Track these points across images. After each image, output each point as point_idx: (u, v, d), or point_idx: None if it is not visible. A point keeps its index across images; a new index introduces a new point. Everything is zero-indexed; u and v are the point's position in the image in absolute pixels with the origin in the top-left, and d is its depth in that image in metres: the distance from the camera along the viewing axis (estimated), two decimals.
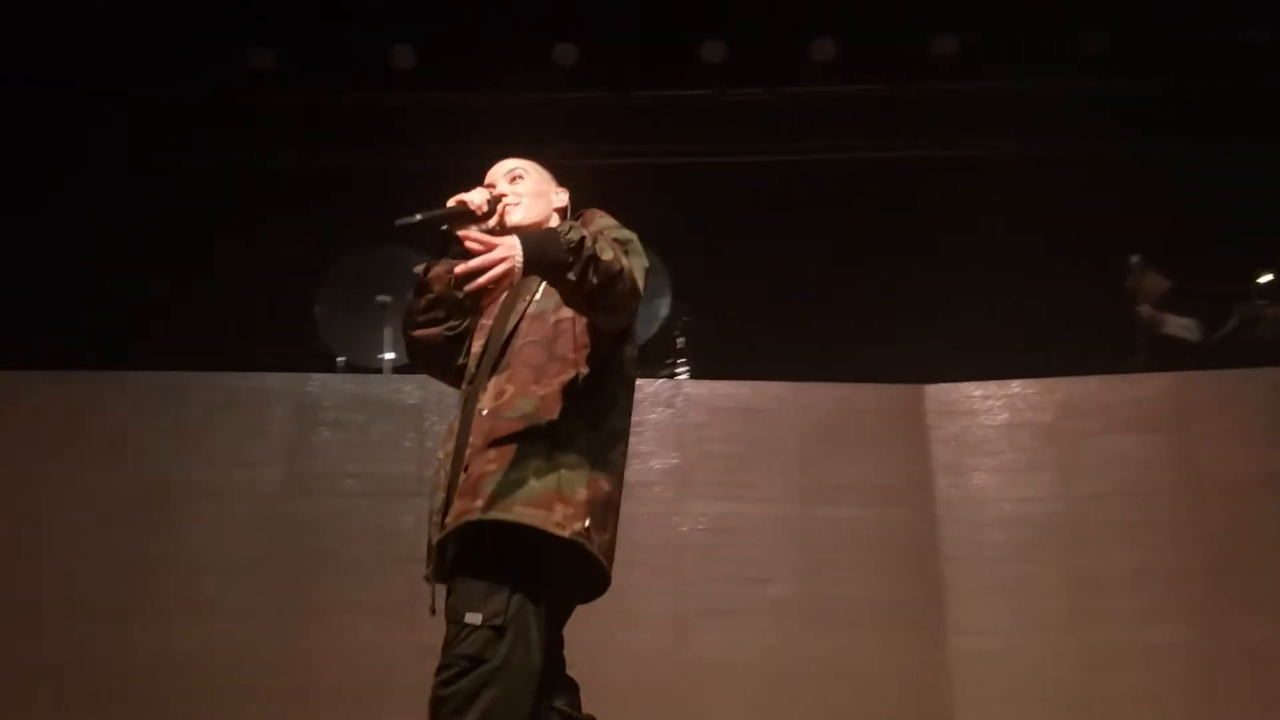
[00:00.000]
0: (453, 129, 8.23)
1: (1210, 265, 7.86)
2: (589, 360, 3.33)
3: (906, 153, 8.90)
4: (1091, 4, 8.43)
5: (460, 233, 3.21)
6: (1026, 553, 6.38)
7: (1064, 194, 8.25)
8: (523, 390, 3.27)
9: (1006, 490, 6.51)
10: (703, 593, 6.31)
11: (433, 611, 3.30)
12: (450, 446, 3.36)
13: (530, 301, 3.44)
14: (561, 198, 3.67)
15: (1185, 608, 6.26)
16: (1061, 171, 8.45)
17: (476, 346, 3.52)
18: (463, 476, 3.24)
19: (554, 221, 3.55)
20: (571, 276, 3.06)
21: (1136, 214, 8.07)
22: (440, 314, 3.59)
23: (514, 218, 3.50)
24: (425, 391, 6.23)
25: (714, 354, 7.74)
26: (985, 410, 6.64)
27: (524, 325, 3.40)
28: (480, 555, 3.16)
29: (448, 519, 3.23)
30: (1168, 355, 7.39)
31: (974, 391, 6.69)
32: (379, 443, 6.33)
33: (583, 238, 3.07)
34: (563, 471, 3.19)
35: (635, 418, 6.34)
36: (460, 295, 3.31)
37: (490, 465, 3.19)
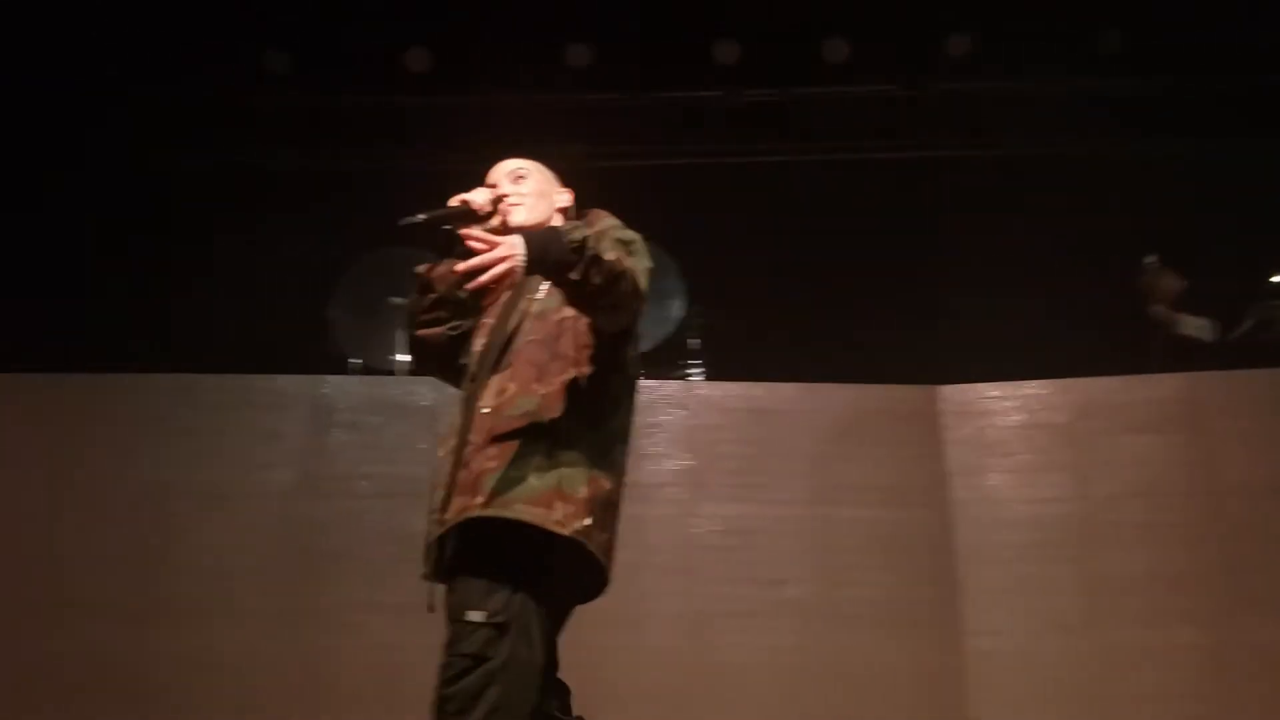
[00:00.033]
0: (466, 131, 8.24)
1: (1225, 265, 7.84)
2: (591, 359, 3.32)
3: (920, 153, 8.90)
4: (1104, 4, 8.42)
5: (462, 231, 3.21)
6: (1041, 553, 6.36)
7: (1078, 194, 8.24)
8: (525, 388, 3.26)
9: (1021, 491, 6.49)
10: (717, 594, 6.30)
11: (431, 609, 3.30)
12: (451, 444, 3.34)
13: (533, 300, 3.43)
14: (564, 198, 3.66)
15: (1200, 608, 6.24)
16: (1076, 172, 8.45)
17: (478, 345, 3.50)
18: (463, 473, 3.23)
19: (557, 222, 3.54)
20: (574, 276, 3.06)
21: (1152, 214, 8.05)
22: (443, 314, 3.58)
23: (517, 218, 3.48)
24: (439, 393, 6.21)
25: (727, 355, 7.73)
26: (1000, 411, 6.62)
27: (526, 324, 3.39)
28: (480, 553, 3.15)
29: (447, 515, 3.22)
30: (1183, 355, 7.36)
31: (989, 392, 6.67)
32: (393, 444, 6.33)
33: (585, 237, 3.07)
34: (564, 469, 3.18)
35: (648, 419, 6.45)
36: (462, 294, 3.32)
37: (491, 462, 3.18)
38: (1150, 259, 7.76)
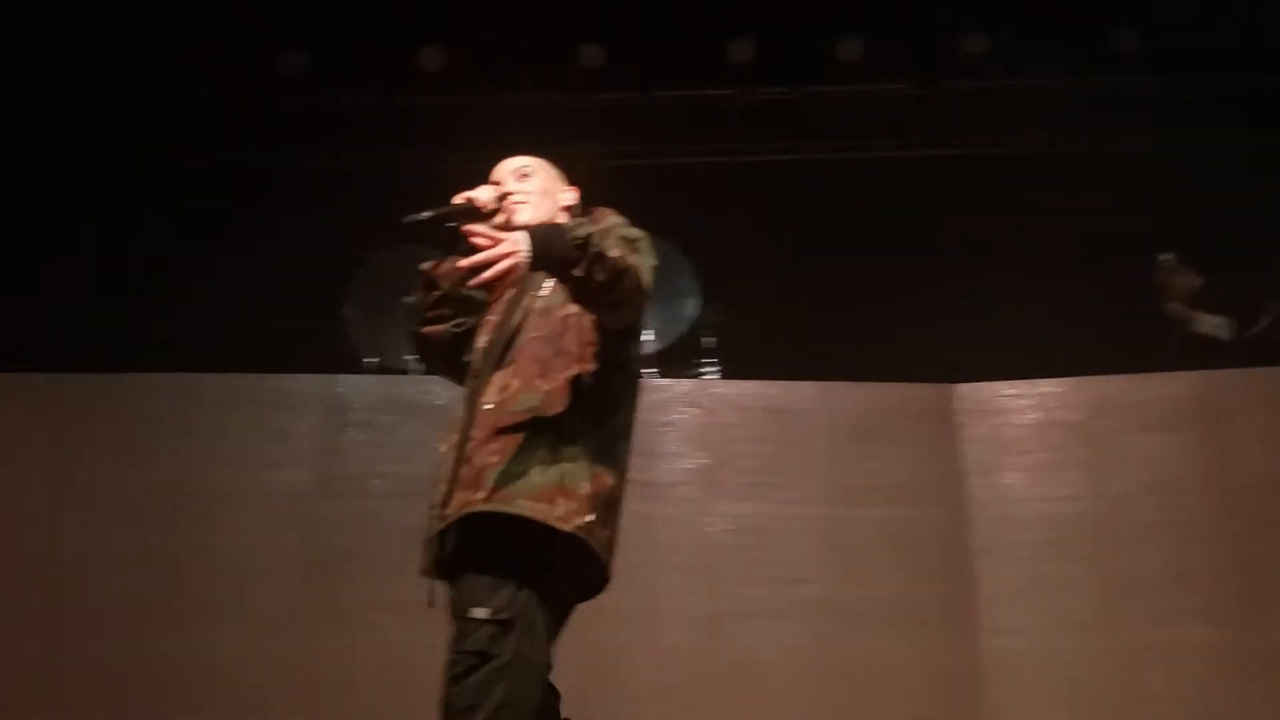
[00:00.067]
0: (476, 131, 8.24)
1: (1241, 263, 7.81)
2: (595, 356, 3.31)
3: (935, 151, 8.88)
4: (1118, 2, 8.39)
5: (466, 227, 3.21)
6: (1057, 552, 6.35)
7: (1094, 192, 8.22)
8: (528, 385, 3.26)
9: (1037, 489, 6.48)
10: (731, 593, 6.30)
11: (431, 604, 3.29)
12: (453, 440, 3.35)
13: (537, 297, 3.43)
14: (569, 196, 3.66)
15: (1216, 607, 6.22)
16: (1091, 169, 8.42)
17: (482, 342, 3.50)
18: (465, 469, 3.22)
19: (561, 220, 3.52)
20: (578, 272, 3.06)
21: (1168, 212, 8.03)
22: (448, 311, 3.59)
23: (521, 215, 3.48)
24: (453, 393, 6.16)
25: (741, 354, 7.73)
26: (1016, 409, 6.61)
27: (530, 321, 3.39)
28: (482, 549, 3.14)
29: (448, 510, 3.21)
30: (1199, 353, 7.34)
31: (1004, 391, 6.67)
32: (407, 444, 6.33)
33: (590, 234, 3.07)
34: (566, 465, 3.17)
35: (662, 418, 6.45)
36: (466, 291, 3.32)
37: (493, 457, 3.18)
38: (1166, 256, 7.74)
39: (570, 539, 3.13)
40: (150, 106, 8.52)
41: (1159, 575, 6.26)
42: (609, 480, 3.27)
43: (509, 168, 3.64)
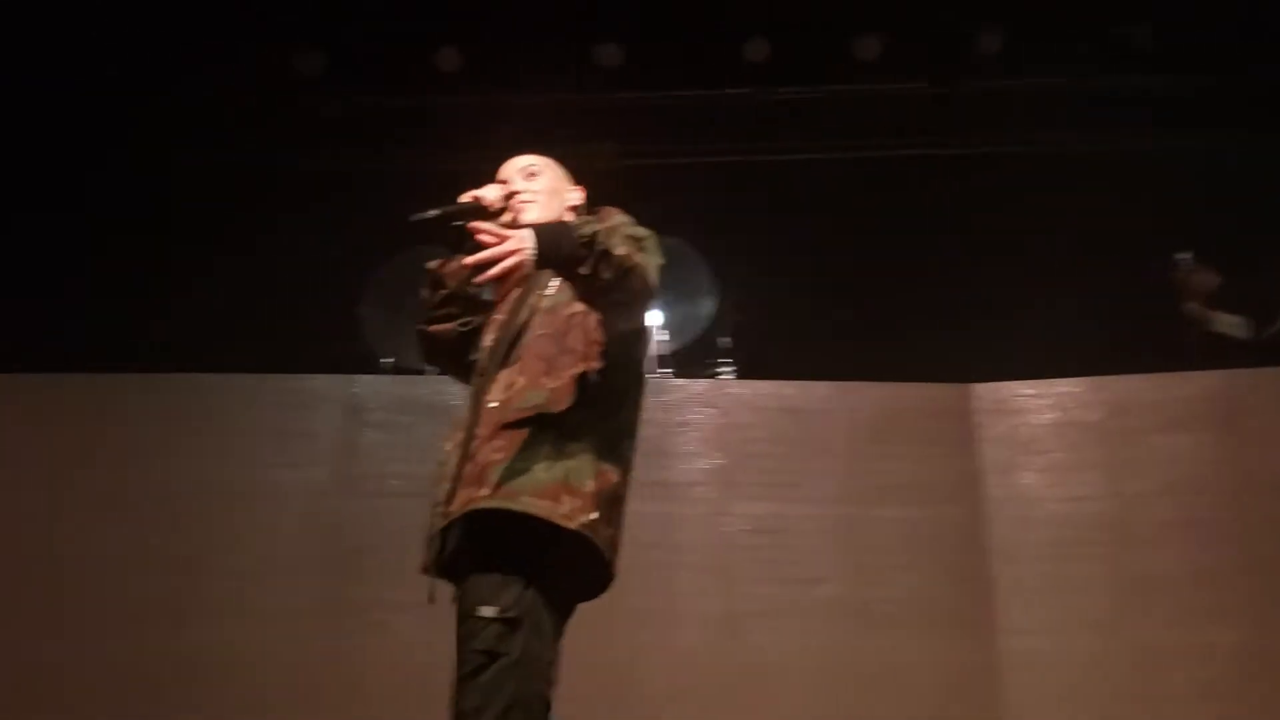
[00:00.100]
0: (495, 131, 8.25)
1: (1260, 262, 7.79)
2: (600, 354, 3.32)
3: (952, 150, 8.87)
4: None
5: (472, 225, 3.22)
6: (1075, 552, 6.33)
7: (1112, 191, 8.20)
8: (533, 382, 3.27)
9: (1055, 489, 6.46)
10: (748, 593, 6.29)
11: (431, 600, 3.29)
12: (458, 438, 3.35)
13: (543, 296, 3.44)
14: (576, 196, 3.67)
15: (1235, 607, 6.19)
16: (1109, 168, 8.40)
17: (487, 340, 3.51)
18: (469, 466, 3.22)
19: (568, 219, 3.53)
20: (584, 270, 3.06)
21: (1186, 211, 8.01)
22: (454, 310, 3.61)
23: (528, 215, 3.49)
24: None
25: (758, 354, 7.72)
26: (1033, 409, 6.59)
27: (536, 319, 3.40)
28: (487, 546, 3.14)
29: (452, 507, 3.22)
30: (1217, 353, 7.32)
31: (1022, 390, 6.64)
32: (424, 444, 6.33)
33: (596, 232, 3.07)
34: (570, 463, 3.18)
35: (679, 418, 6.45)
36: (472, 289, 3.32)
37: (498, 454, 3.18)
38: (1184, 256, 7.72)
39: (575, 537, 3.13)
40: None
41: (1177, 575, 6.24)
42: (614, 477, 3.27)
43: (516, 166, 3.65)
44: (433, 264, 3.60)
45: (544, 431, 3.19)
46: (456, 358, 3.65)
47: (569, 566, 3.18)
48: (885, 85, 8.78)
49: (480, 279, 3.08)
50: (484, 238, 3.09)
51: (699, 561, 6.28)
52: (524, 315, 3.43)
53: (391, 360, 7.50)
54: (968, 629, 6.26)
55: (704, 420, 6.55)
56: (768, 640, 6.20)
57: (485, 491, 3.14)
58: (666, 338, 7.83)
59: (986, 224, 8.33)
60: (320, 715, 5.92)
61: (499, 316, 3.53)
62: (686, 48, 8.69)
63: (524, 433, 3.19)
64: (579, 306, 3.31)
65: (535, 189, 3.59)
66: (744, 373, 7.56)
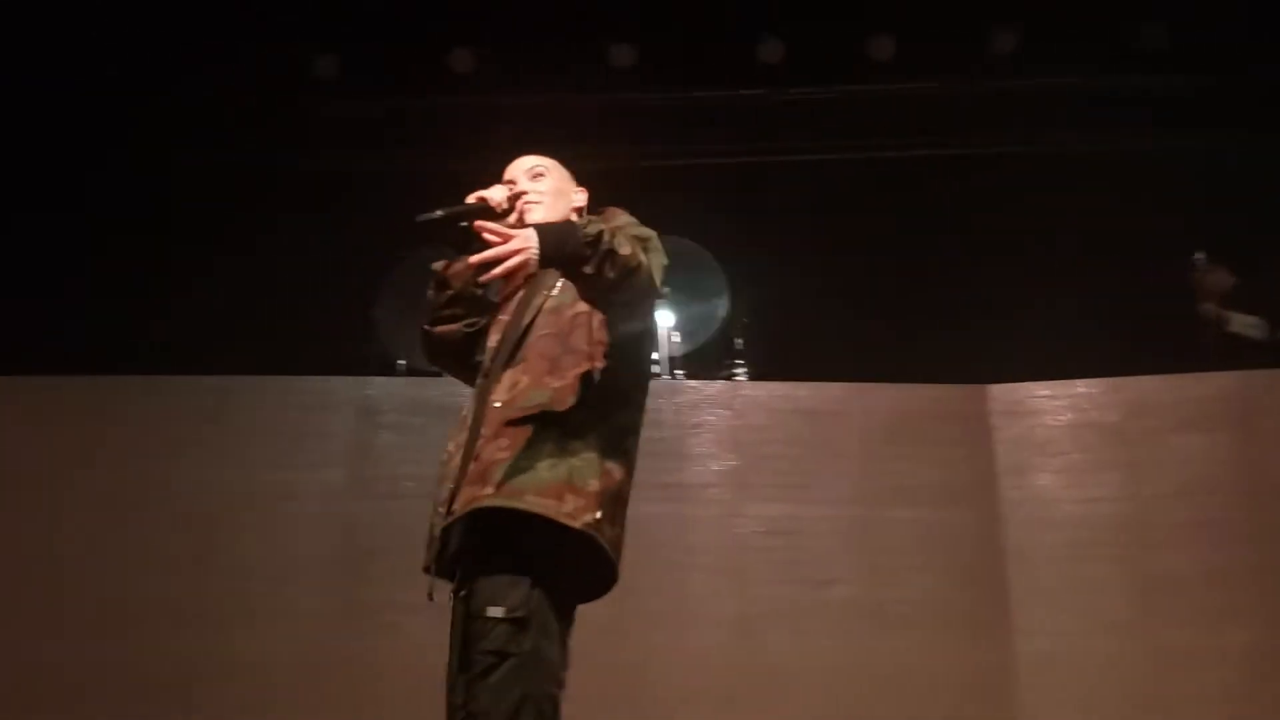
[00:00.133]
0: (508, 131, 8.24)
1: (1276, 262, 7.75)
2: (605, 354, 3.32)
3: (967, 150, 8.85)
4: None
5: (477, 224, 3.21)
6: (1091, 553, 6.31)
7: (1127, 191, 8.17)
8: (537, 381, 3.27)
9: (1071, 491, 6.44)
10: (762, 595, 6.27)
11: (430, 598, 3.29)
12: (461, 438, 3.35)
13: (547, 297, 3.45)
14: (580, 197, 3.68)
15: (1251, 608, 6.16)
16: (1125, 168, 8.38)
17: (492, 341, 3.52)
18: (473, 465, 3.22)
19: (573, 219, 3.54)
20: (588, 269, 3.07)
21: (1202, 211, 7.98)
22: (459, 311, 3.62)
23: (534, 215, 3.50)
24: None
25: (772, 355, 7.71)
26: (1049, 410, 6.57)
27: (540, 319, 3.41)
28: (491, 546, 3.14)
29: (455, 506, 3.22)
30: (1233, 353, 7.29)
31: (1038, 391, 6.62)
32: (437, 446, 6.31)
33: (600, 231, 3.08)
34: (574, 462, 3.18)
35: (693, 419, 6.45)
36: (477, 290, 3.33)
37: (501, 453, 3.18)
38: (1200, 256, 7.70)
39: (579, 536, 3.13)
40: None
41: (1193, 576, 6.21)
42: (617, 477, 3.27)
43: (522, 167, 3.66)
44: (438, 264, 3.60)
45: (548, 430, 3.19)
46: (461, 359, 3.65)
47: (572, 566, 3.18)
48: (900, 85, 8.76)
49: (485, 278, 3.09)
50: (488, 237, 3.09)
51: (712, 563, 6.26)
52: (529, 316, 3.43)
53: (404, 362, 7.49)
54: (983, 631, 6.24)
55: (717, 422, 6.54)
56: (781, 642, 6.19)
57: (489, 490, 3.14)
58: (680, 339, 7.81)
59: (1001, 225, 8.31)
60: (332, 717, 5.91)
61: (503, 317, 3.54)
62: (700, 48, 8.67)
63: (528, 432, 3.19)
64: (583, 306, 3.32)
65: (541, 190, 3.60)
66: (758, 374, 7.54)
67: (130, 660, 5.95)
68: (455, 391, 6.38)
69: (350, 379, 6.63)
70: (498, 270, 3.03)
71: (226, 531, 6.23)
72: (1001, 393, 6.64)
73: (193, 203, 8.31)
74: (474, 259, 3.09)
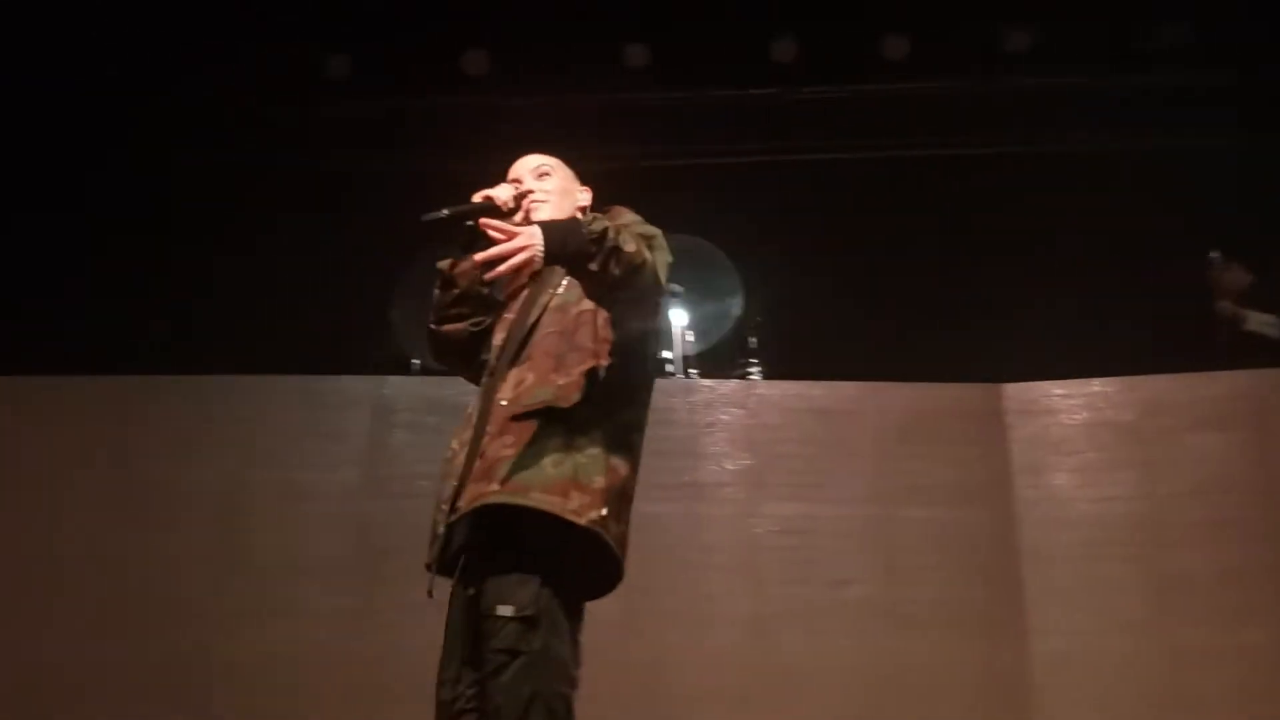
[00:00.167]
0: (522, 132, 8.24)
1: None
2: (610, 351, 3.33)
3: (982, 149, 8.83)
4: None
5: (482, 222, 3.22)
6: (1107, 553, 6.30)
7: (1143, 189, 8.16)
8: (542, 379, 3.28)
9: (1086, 490, 6.42)
10: (777, 594, 6.27)
11: (430, 595, 3.30)
12: (466, 436, 3.36)
13: (553, 295, 3.46)
14: (585, 196, 3.69)
15: (1269, 607, 6.15)
16: (1141, 166, 8.36)
17: (498, 339, 3.53)
18: (478, 463, 3.23)
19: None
20: (593, 267, 3.07)
21: (1218, 209, 7.96)
22: (465, 309, 3.62)
23: (540, 214, 3.50)
24: None
25: (787, 354, 7.70)
26: (1065, 409, 6.56)
27: (546, 318, 3.42)
28: (496, 543, 3.15)
29: (460, 503, 3.22)
30: (1249, 352, 7.27)
31: (1053, 390, 6.61)
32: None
33: (606, 229, 3.08)
34: (579, 459, 3.18)
35: (707, 419, 6.44)
36: (482, 287, 3.34)
37: (506, 450, 3.19)
38: (1215, 254, 7.68)
39: (585, 534, 3.13)
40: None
41: (1209, 575, 6.20)
42: (623, 473, 3.27)
43: (527, 166, 3.68)
44: (444, 263, 3.61)
45: (553, 427, 3.20)
46: (467, 357, 3.65)
47: (578, 563, 3.18)
48: (914, 84, 8.74)
49: (490, 275, 3.10)
50: (493, 234, 3.10)
51: (727, 562, 6.26)
52: (534, 314, 3.44)
53: (419, 362, 7.50)
54: (998, 630, 6.24)
55: (732, 421, 6.53)
56: (796, 641, 6.18)
57: (494, 487, 3.15)
58: (694, 339, 7.81)
59: (1018, 223, 8.30)
60: (346, 716, 5.92)
61: (509, 315, 3.55)
62: (713, 48, 8.66)
63: (533, 429, 3.20)
64: (588, 304, 3.33)
65: (547, 188, 3.61)
66: (772, 373, 7.54)
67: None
68: (470, 391, 6.42)
69: (365, 378, 6.64)
70: (502, 267, 3.04)
71: (240, 531, 6.24)
72: (1016, 392, 6.63)
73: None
74: (479, 256, 3.09)
